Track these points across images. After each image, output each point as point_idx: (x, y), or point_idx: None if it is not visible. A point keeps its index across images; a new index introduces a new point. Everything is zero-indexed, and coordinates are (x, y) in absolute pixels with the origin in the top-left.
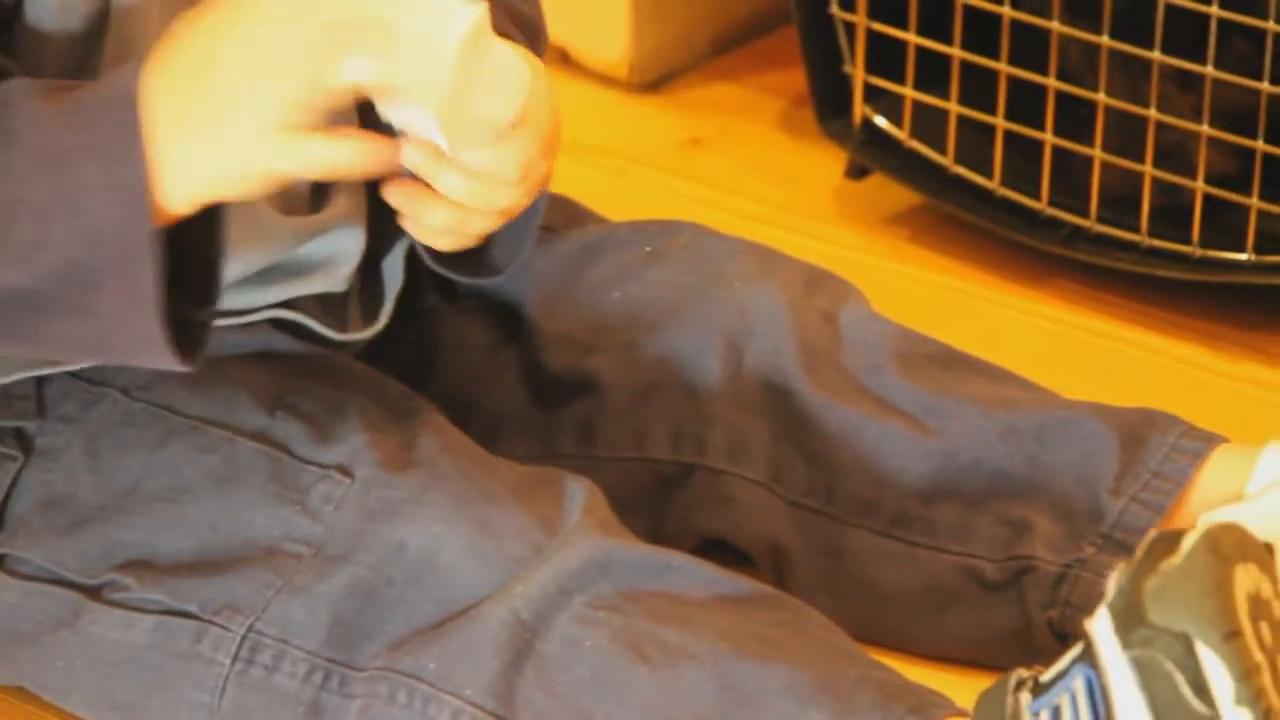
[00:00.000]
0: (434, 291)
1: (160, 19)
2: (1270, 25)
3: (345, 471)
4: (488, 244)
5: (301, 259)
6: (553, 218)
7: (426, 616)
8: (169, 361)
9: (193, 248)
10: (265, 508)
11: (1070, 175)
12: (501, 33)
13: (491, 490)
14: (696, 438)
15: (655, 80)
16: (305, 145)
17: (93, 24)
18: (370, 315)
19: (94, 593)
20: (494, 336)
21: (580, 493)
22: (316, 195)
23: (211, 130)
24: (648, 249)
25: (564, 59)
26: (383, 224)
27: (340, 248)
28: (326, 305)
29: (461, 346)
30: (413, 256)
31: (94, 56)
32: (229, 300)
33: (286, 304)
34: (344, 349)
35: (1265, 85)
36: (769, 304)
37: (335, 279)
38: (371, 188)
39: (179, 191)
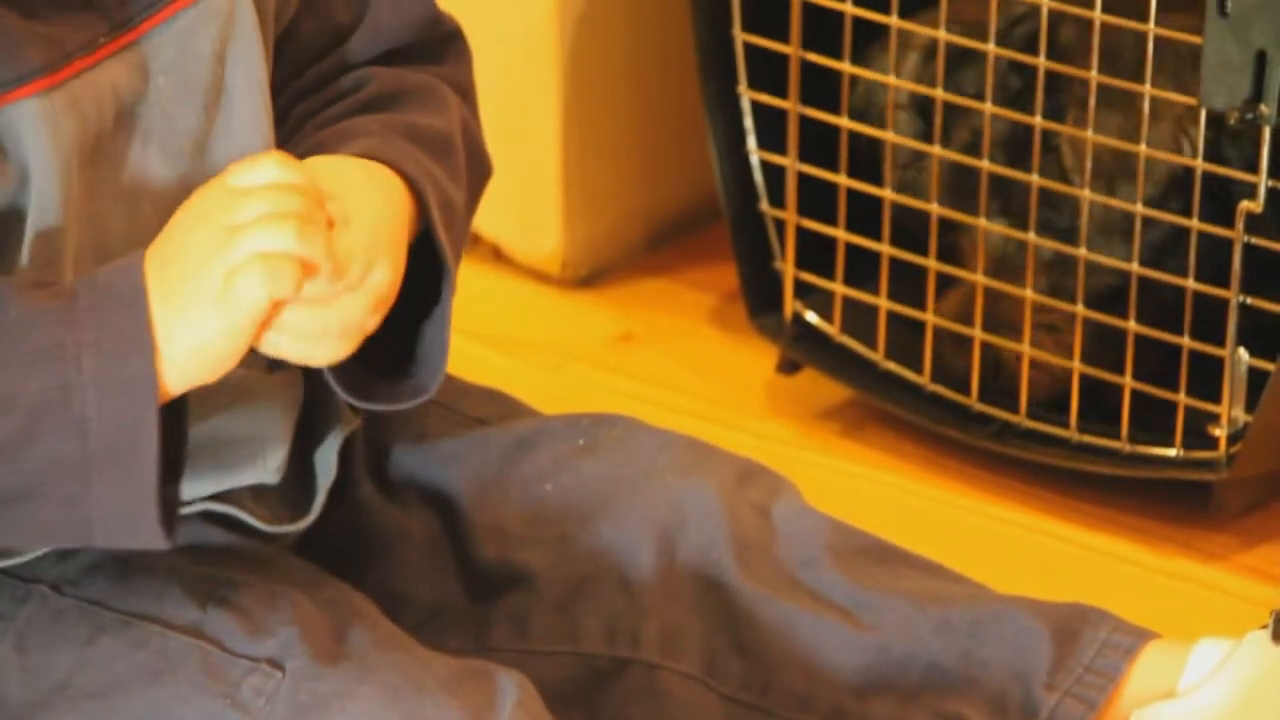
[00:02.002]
0: (367, 482)
1: (78, 192)
2: (1194, 223)
3: (276, 664)
4: (402, 371)
5: (230, 447)
6: (486, 411)
7: None
8: (155, 541)
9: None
10: (197, 702)
11: (999, 371)
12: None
13: (424, 683)
14: (630, 631)
15: (587, 276)
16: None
17: (5, 219)
18: (302, 507)
19: None
20: (427, 528)
21: (513, 687)
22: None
23: (183, 308)
24: (581, 442)
25: (496, 255)
26: (315, 416)
27: (266, 439)
28: (258, 497)
29: (394, 538)
30: (346, 448)
31: (10, 251)
32: None
33: (218, 496)
34: (276, 541)
35: (1191, 283)
36: (702, 497)
37: (265, 471)
38: (307, 381)
39: (174, 377)
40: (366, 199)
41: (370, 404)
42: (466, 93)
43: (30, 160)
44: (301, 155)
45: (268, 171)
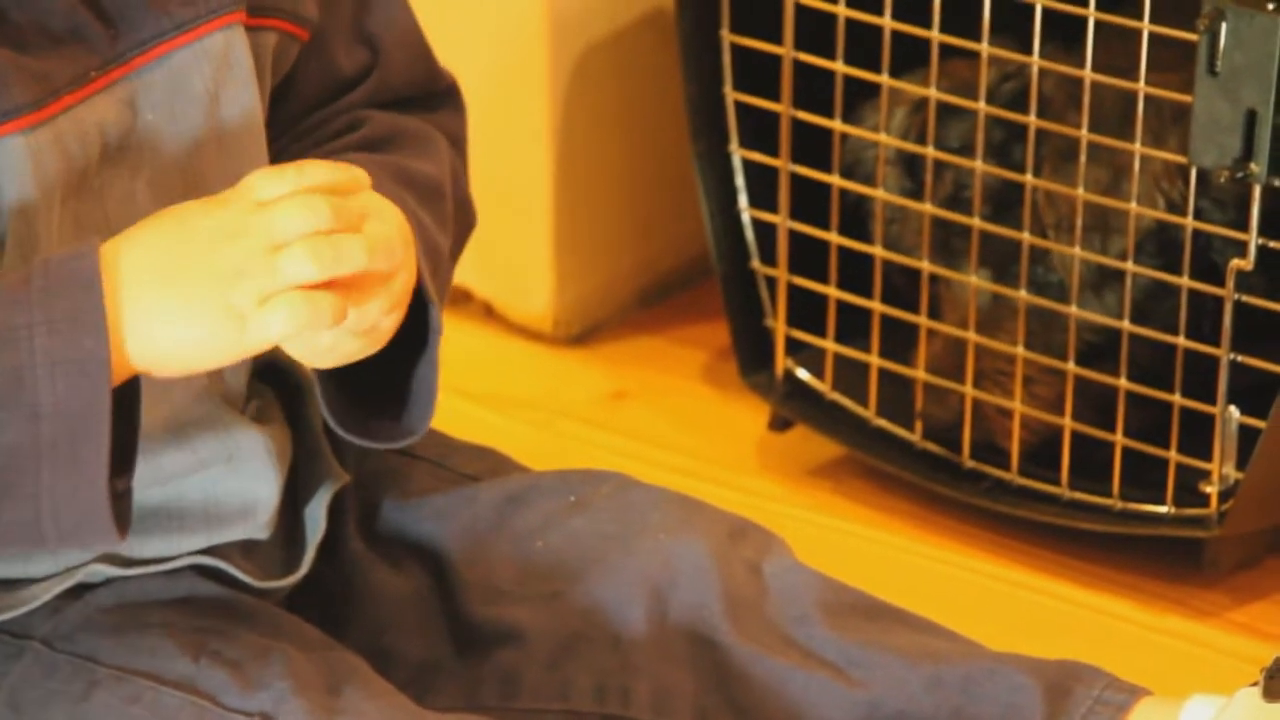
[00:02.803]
0: (357, 538)
1: (61, 222)
2: (1184, 281)
3: (269, 718)
4: (394, 410)
5: (221, 502)
6: (476, 467)
7: None
8: (107, 535)
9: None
10: None
11: (991, 427)
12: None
13: None
14: (621, 689)
15: (579, 334)
16: (263, 320)
17: None
18: (292, 562)
19: None
20: (417, 584)
21: None
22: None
23: (195, 305)
24: (572, 498)
25: (488, 313)
26: (304, 472)
27: (256, 494)
28: (249, 552)
29: (384, 594)
30: (336, 504)
31: None
32: (151, 548)
33: (209, 550)
34: (266, 595)
35: (1181, 340)
36: (693, 555)
37: (255, 526)
38: (294, 439)
39: (131, 363)
40: (385, 200)
41: (362, 440)
42: (458, 141)
43: (12, 194)
44: None
45: (291, 178)
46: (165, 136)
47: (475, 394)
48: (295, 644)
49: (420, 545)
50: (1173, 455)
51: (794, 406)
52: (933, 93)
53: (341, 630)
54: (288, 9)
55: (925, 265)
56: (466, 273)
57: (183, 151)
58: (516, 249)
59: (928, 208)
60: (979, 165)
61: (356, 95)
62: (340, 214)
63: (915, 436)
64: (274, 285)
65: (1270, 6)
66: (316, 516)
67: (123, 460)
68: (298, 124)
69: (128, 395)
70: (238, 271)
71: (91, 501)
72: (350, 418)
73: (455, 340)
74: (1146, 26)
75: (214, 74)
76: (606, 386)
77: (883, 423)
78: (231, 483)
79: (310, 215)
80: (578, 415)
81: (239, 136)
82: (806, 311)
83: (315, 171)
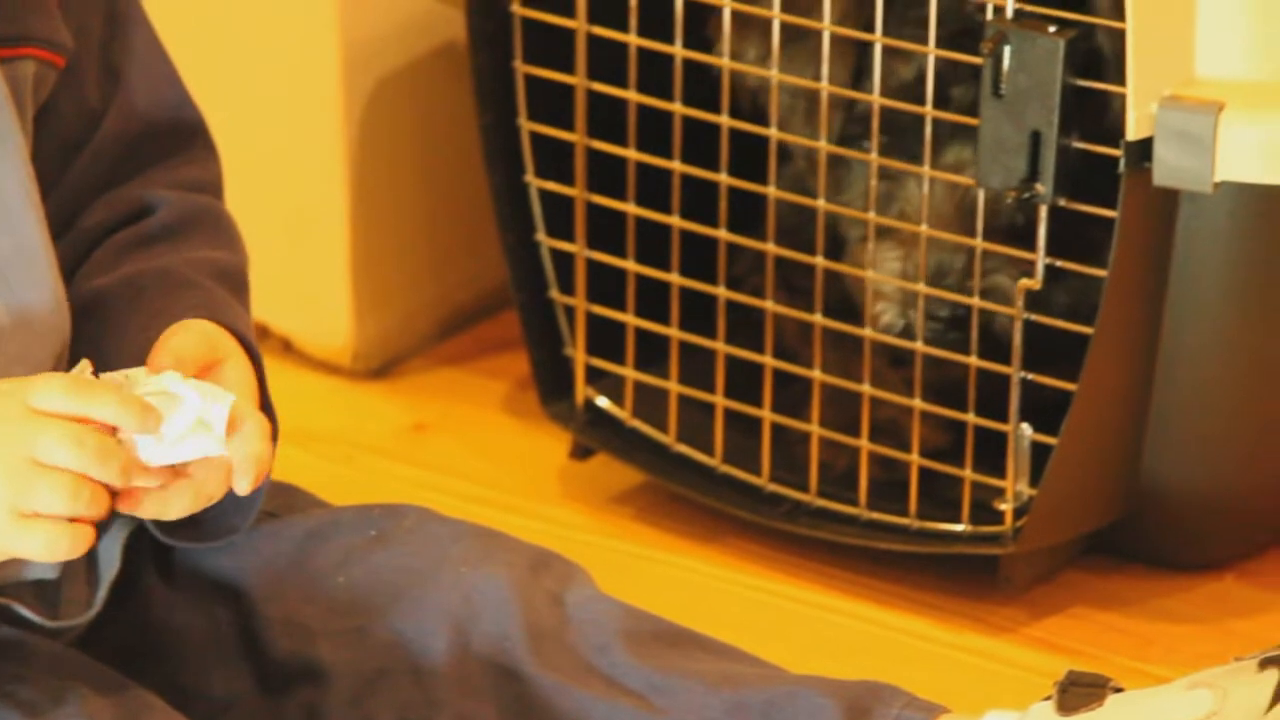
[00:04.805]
0: (154, 575)
1: None
2: (975, 301)
3: None
4: (214, 510)
5: None
6: (276, 504)
7: None
8: None
9: None
10: None
11: (790, 451)
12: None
13: None
14: None
15: (379, 367)
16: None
17: None
18: (86, 601)
19: None
20: (216, 622)
21: None
22: None
23: None
24: (373, 533)
25: (287, 348)
26: None
27: None
28: (41, 592)
29: (183, 631)
30: (132, 541)
31: None
32: None
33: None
34: (60, 636)
35: (973, 359)
36: (495, 587)
37: (44, 565)
38: None
39: None
40: (232, 374)
41: (175, 540)
42: (220, 190)
43: None
44: (119, 286)
45: (77, 401)
46: None
47: None
48: (90, 685)
49: (219, 582)
50: (967, 474)
51: (594, 434)
52: (724, 120)
53: (140, 669)
54: (43, 37)
55: (721, 291)
56: (264, 308)
57: None
58: (314, 283)
59: (722, 234)
60: (772, 190)
61: (110, 123)
62: (106, 462)
63: (715, 461)
64: (26, 505)
65: (1052, 29)
66: (111, 555)
67: None
68: (70, 170)
69: None
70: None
71: None
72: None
73: None
74: (933, 51)
75: None
76: (407, 419)
77: (683, 448)
78: None
79: (75, 455)
80: (379, 449)
81: (7, 179)
82: (606, 339)
83: (103, 403)
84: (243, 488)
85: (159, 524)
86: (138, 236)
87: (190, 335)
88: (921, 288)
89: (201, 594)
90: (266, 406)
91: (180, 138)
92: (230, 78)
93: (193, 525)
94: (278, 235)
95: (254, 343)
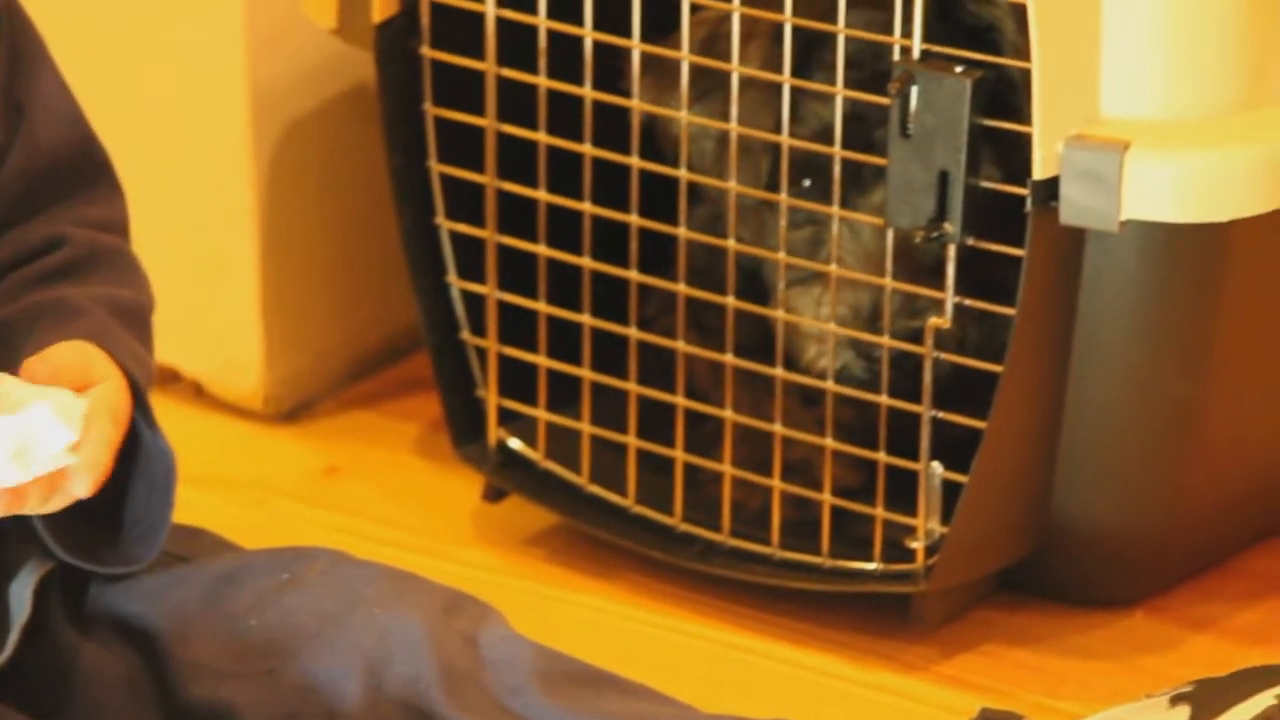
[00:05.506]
0: (65, 620)
1: None
2: (884, 340)
3: None
4: (121, 536)
5: None
6: (188, 549)
7: None
8: None
9: None
10: None
11: (702, 491)
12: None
13: None
14: None
15: (290, 410)
16: None
17: None
18: None
19: None
20: (129, 667)
21: None
22: None
23: None
24: (285, 576)
25: (198, 392)
26: (6, 553)
27: None
28: None
29: (94, 676)
30: (44, 585)
31: None
32: None
33: None
34: None
35: (884, 399)
36: (408, 629)
37: None
38: None
39: None
40: (105, 395)
41: (85, 563)
42: (125, 230)
43: None
44: (18, 316)
45: None
46: None
47: (186, 475)
48: None
49: (131, 626)
50: (879, 512)
51: (507, 476)
52: (634, 161)
53: (52, 714)
54: None
55: (633, 332)
56: (175, 352)
57: None
58: (225, 327)
59: (633, 274)
60: (682, 231)
61: (15, 159)
62: None
63: (628, 502)
64: None
65: (959, 70)
66: (20, 598)
67: None
68: None
69: None
70: None
71: None
72: (77, 544)
73: (165, 422)
74: (840, 92)
75: None
76: (319, 462)
77: (595, 489)
78: None
79: None
80: (291, 493)
81: None
82: (518, 381)
83: None
84: (81, 489)
85: (62, 544)
86: (41, 272)
87: (70, 352)
88: (832, 328)
89: (114, 638)
90: (152, 434)
91: (85, 176)
92: (140, 119)
93: (92, 552)
94: (188, 278)
95: (135, 373)
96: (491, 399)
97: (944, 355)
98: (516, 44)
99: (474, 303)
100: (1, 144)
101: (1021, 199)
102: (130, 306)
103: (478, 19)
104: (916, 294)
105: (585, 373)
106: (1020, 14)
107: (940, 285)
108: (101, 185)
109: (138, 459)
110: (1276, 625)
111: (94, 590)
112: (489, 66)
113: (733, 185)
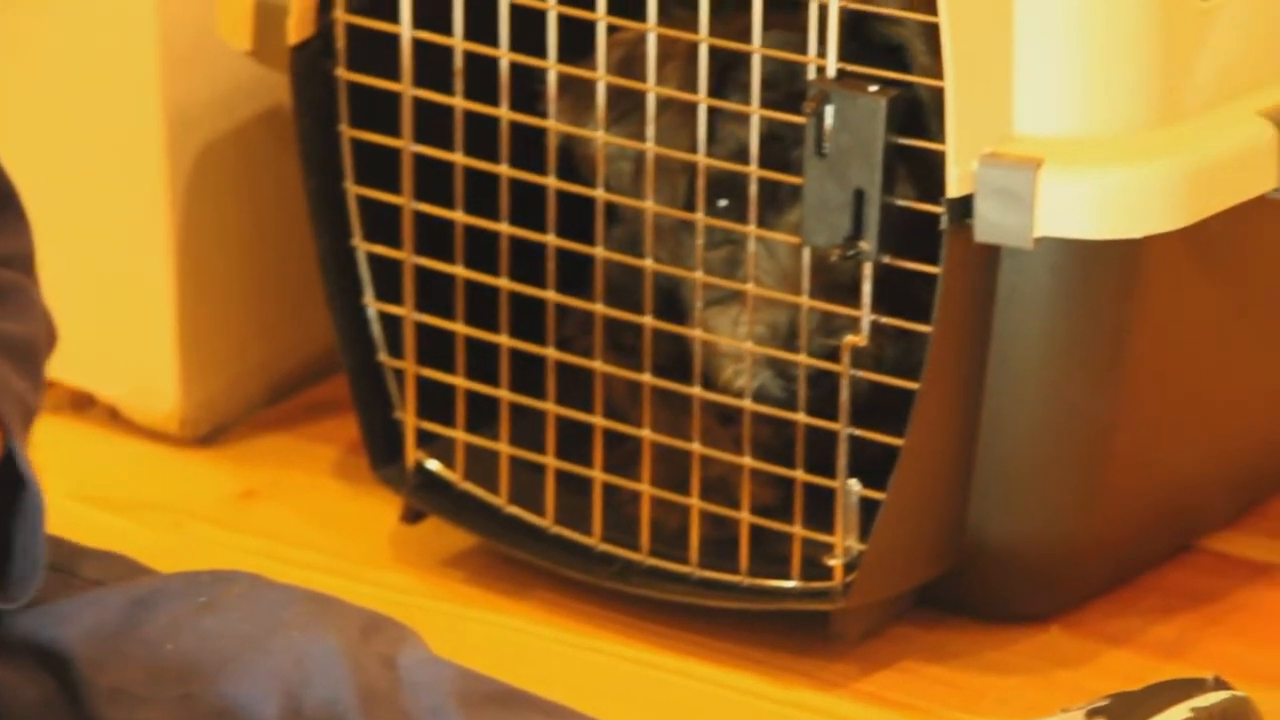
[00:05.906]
0: None
1: None
2: (801, 359)
3: None
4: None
5: None
6: (103, 573)
7: None
8: None
9: None
10: None
11: (621, 511)
12: None
13: None
14: None
15: (207, 434)
16: None
17: None
18: None
19: None
20: (43, 692)
21: None
22: None
23: None
24: (202, 599)
25: (113, 416)
26: None
27: None
28: None
29: (10, 701)
30: None
31: None
32: None
33: None
34: None
35: (801, 416)
36: (326, 651)
37: None
38: None
39: None
40: None
41: None
42: (29, 264)
43: None
44: None
45: None
46: None
47: (101, 499)
48: None
49: (46, 651)
50: (797, 530)
51: (425, 498)
52: (551, 181)
53: None
54: None
55: (551, 352)
56: (90, 376)
57: None
58: (140, 351)
59: (550, 294)
60: (599, 251)
61: None
62: None
63: (547, 522)
64: None
65: (873, 88)
66: None
67: None
68: None
69: None
70: None
71: None
72: None
73: (80, 445)
74: (756, 111)
75: None
76: (236, 486)
77: (514, 510)
78: None
79: None
80: (207, 516)
81: None
82: (436, 402)
83: None
84: None
85: None
86: None
87: None
88: (749, 347)
89: (28, 663)
90: (21, 469)
91: None
92: (53, 141)
93: None
94: (102, 302)
95: (7, 409)
96: (409, 420)
97: (861, 373)
98: (432, 65)
99: (391, 324)
100: None
101: (936, 217)
102: (17, 342)
103: (393, 40)
104: (833, 312)
105: (503, 393)
106: (929, 33)
107: (857, 304)
108: (8, 215)
109: (21, 494)
110: (1190, 639)
111: (8, 617)
112: (405, 88)
113: (650, 205)
